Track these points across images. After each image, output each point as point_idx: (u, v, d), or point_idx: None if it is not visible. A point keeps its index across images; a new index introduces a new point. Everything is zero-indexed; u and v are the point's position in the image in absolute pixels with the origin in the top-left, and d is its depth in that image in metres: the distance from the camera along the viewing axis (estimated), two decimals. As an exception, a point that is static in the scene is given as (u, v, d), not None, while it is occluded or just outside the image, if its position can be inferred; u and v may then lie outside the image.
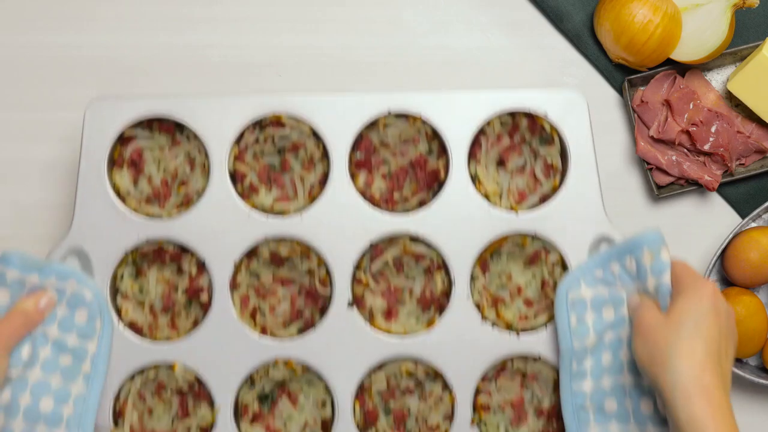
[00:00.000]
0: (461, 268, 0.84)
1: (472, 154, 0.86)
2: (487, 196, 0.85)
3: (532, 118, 0.86)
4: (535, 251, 0.85)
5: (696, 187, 0.93)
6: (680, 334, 0.71)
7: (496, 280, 0.86)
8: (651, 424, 0.77)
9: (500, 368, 0.84)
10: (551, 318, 0.84)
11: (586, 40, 0.93)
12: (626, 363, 0.79)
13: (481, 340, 0.83)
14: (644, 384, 0.78)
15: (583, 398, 0.80)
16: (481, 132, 0.86)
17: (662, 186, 0.94)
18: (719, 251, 0.91)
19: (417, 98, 0.85)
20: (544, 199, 0.86)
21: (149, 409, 0.84)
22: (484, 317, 0.84)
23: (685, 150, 0.92)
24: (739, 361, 0.92)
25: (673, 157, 0.92)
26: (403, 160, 0.87)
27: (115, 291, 0.84)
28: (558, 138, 0.86)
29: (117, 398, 0.82)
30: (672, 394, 0.69)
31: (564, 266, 0.84)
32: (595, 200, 0.85)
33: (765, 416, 0.90)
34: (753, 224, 0.93)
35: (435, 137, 0.86)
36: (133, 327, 0.84)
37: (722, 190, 0.95)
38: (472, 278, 0.85)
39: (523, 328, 0.85)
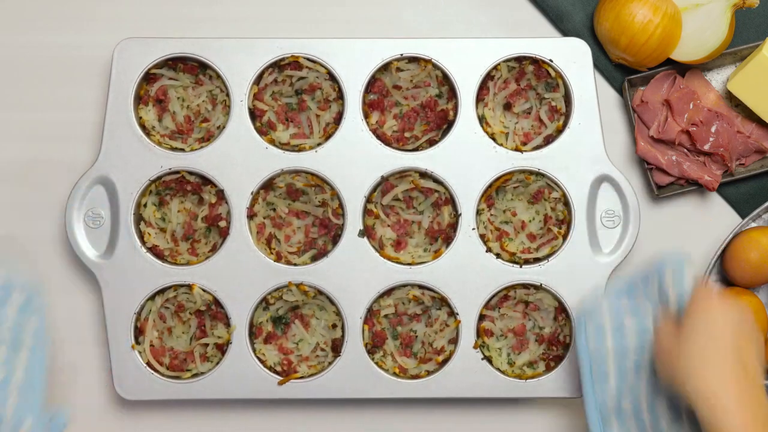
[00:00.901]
0: (468, 202, 0.88)
1: (480, 97, 0.90)
2: (493, 137, 0.89)
3: (538, 65, 0.90)
4: (539, 189, 0.89)
5: (696, 187, 0.92)
6: (691, 353, 0.72)
7: (501, 215, 0.90)
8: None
9: (504, 297, 0.88)
10: (553, 251, 0.88)
11: (586, 40, 0.91)
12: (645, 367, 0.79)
13: (485, 269, 0.87)
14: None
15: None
16: (489, 77, 0.90)
17: (662, 186, 0.92)
18: (719, 251, 0.90)
19: (428, 44, 0.90)
20: (548, 140, 0.90)
21: (168, 328, 0.88)
22: (488, 249, 0.87)
23: (685, 150, 0.92)
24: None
25: (673, 157, 0.92)
26: (414, 102, 0.91)
27: (139, 218, 0.88)
28: (562, 83, 0.90)
29: (138, 317, 0.87)
30: (696, 408, 0.70)
31: (566, 203, 0.88)
32: (597, 141, 0.89)
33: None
34: (753, 224, 0.92)
35: (445, 82, 0.90)
36: (155, 251, 0.88)
37: (722, 190, 0.93)
38: (478, 212, 0.88)
39: (526, 260, 0.88)
